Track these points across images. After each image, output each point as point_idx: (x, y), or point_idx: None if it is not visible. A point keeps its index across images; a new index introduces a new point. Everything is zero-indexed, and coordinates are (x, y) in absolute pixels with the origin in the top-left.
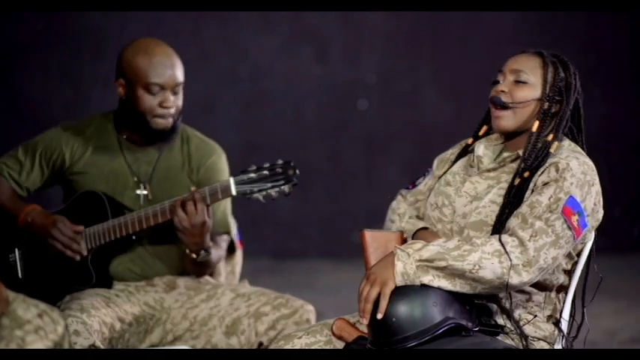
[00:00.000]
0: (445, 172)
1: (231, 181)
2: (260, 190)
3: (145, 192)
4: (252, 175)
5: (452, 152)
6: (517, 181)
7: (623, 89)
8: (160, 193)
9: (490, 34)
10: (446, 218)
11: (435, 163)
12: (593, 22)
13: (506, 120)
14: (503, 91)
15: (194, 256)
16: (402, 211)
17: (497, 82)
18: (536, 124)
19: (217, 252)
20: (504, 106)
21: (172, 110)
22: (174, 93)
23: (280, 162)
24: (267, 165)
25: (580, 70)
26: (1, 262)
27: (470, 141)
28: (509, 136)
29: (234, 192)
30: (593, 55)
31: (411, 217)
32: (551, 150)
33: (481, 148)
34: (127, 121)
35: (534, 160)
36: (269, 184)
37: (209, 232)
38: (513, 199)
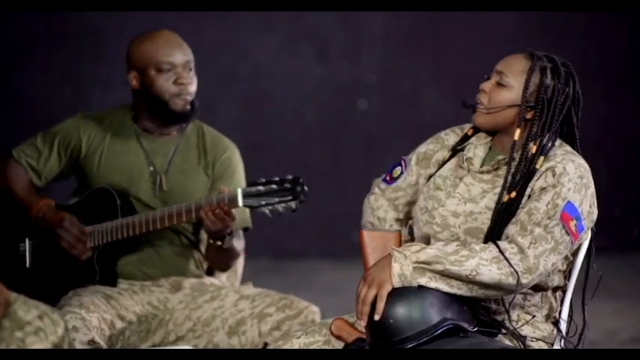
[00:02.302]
0: (434, 175)
1: (239, 192)
2: (267, 205)
3: (160, 184)
4: (261, 188)
5: (433, 149)
6: (506, 197)
7: (623, 89)
8: (175, 185)
9: (490, 34)
10: (433, 220)
11: (414, 159)
12: (593, 22)
13: (481, 117)
14: (484, 91)
15: (219, 243)
16: (382, 214)
17: (488, 79)
18: (517, 132)
19: (238, 241)
20: (474, 109)
21: (190, 88)
22: (188, 69)
23: (290, 177)
24: (276, 179)
25: (580, 70)
26: (10, 250)
27: (469, 131)
28: (493, 133)
29: (240, 203)
30: (594, 55)
31: (392, 225)
32: (537, 166)
33: (471, 150)
34: (145, 110)
35: (520, 178)
36: (276, 199)
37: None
38: (503, 214)
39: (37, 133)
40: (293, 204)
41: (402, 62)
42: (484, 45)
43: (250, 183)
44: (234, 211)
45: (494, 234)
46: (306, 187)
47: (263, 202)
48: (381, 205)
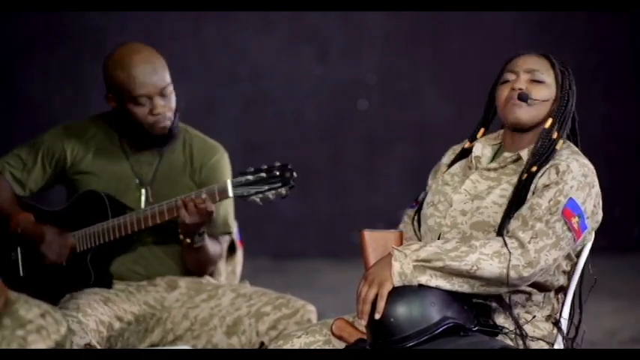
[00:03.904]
0: (443, 173)
1: (229, 183)
2: (257, 193)
3: (147, 194)
4: (250, 177)
5: (443, 158)
6: (524, 175)
7: (623, 89)
8: (161, 195)
9: (490, 34)
10: (439, 213)
11: (431, 175)
12: (593, 22)
13: (525, 112)
14: (520, 89)
15: (188, 241)
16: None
17: (507, 82)
18: (549, 122)
19: (215, 246)
20: (527, 102)
21: (167, 113)
22: (163, 96)
23: (278, 164)
24: (264, 167)
25: (580, 70)
26: (2, 259)
27: (467, 144)
28: (510, 134)
29: (230, 194)
30: (594, 55)
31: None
32: (557, 147)
33: (479, 148)
34: (126, 130)
35: (542, 155)
36: (266, 187)
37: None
38: (521, 193)
39: (36, 133)
40: (283, 190)
41: (402, 62)
42: (484, 45)
43: (239, 172)
44: (215, 211)
45: (506, 222)
46: (295, 173)
47: (253, 191)
48: (408, 231)
